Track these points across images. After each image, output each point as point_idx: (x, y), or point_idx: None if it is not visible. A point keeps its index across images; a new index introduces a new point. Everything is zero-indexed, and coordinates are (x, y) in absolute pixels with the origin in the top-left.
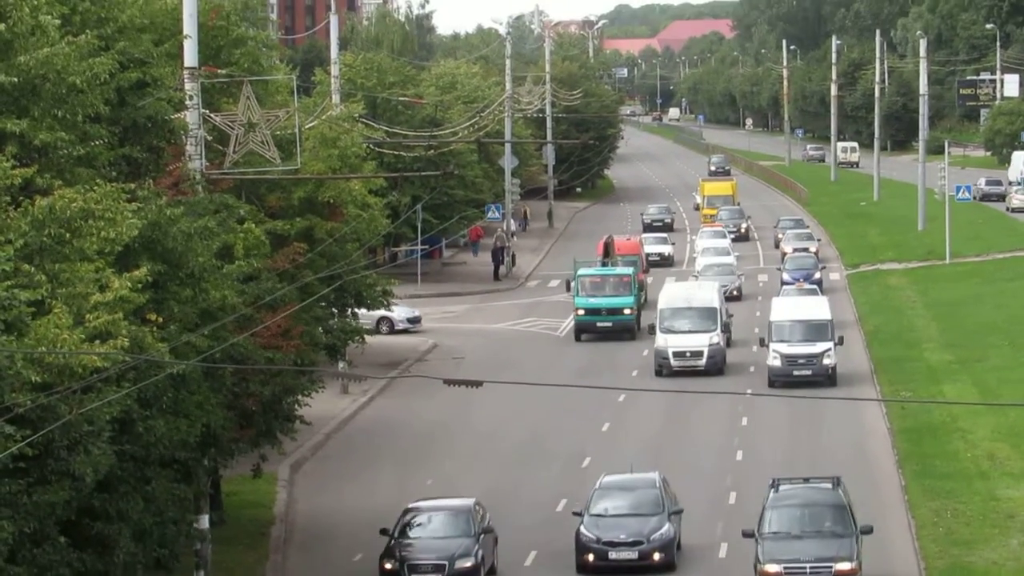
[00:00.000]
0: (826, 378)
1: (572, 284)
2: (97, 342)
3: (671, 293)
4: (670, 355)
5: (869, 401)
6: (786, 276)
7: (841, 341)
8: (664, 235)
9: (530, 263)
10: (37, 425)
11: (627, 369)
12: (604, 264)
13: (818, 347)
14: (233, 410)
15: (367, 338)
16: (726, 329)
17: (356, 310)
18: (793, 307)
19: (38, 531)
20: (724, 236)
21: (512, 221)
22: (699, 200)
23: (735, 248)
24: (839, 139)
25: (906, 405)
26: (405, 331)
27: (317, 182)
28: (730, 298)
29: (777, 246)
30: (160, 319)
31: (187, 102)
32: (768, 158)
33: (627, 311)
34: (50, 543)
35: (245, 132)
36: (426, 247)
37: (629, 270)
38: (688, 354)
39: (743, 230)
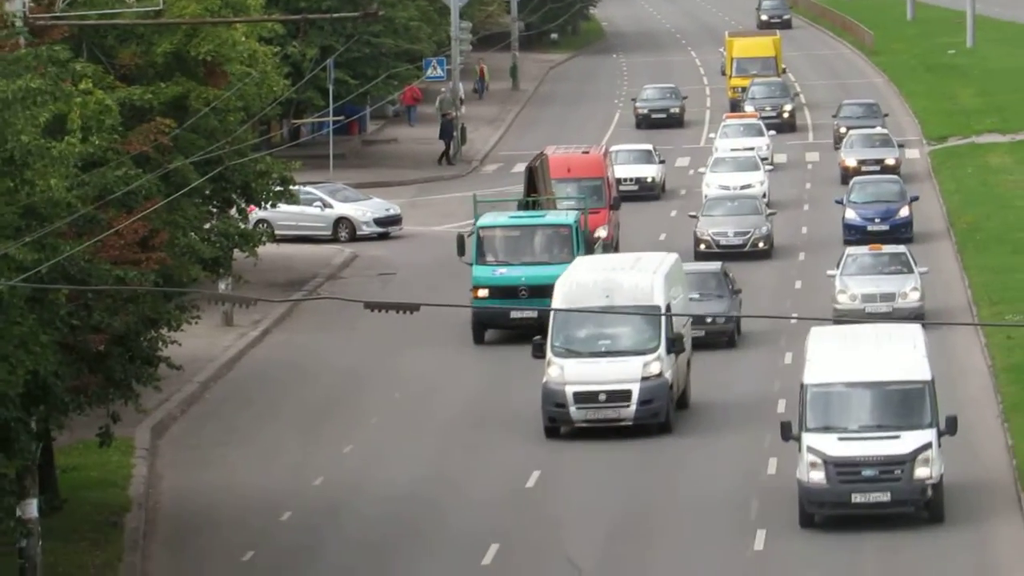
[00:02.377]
0: (921, 504)
1: (468, 241)
2: None
3: (575, 281)
4: (569, 399)
5: (960, 325)
6: (851, 215)
7: (953, 428)
8: (647, 147)
9: (487, 140)
10: None
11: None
12: (527, 205)
13: (904, 443)
14: (71, 351)
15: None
16: (675, 345)
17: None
18: (853, 351)
19: None
20: (760, 133)
21: (460, 83)
22: (725, 63)
23: (774, 148)
24: None
25: (1013, 333)
26: (382, 237)
27: (189, 29)
28: (753, 253)
29: (837, 145)
30: None
31: None
32: None
33: None
34: None
35: None
36: (341, 119)
37: (568, 217)
38: (602, 396)
39: (787, 114)
